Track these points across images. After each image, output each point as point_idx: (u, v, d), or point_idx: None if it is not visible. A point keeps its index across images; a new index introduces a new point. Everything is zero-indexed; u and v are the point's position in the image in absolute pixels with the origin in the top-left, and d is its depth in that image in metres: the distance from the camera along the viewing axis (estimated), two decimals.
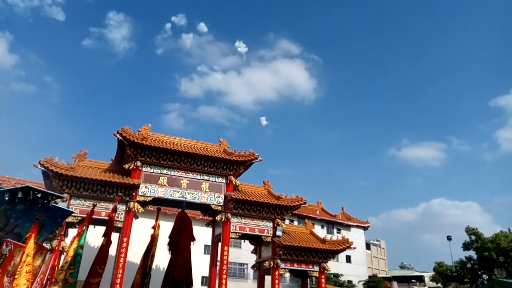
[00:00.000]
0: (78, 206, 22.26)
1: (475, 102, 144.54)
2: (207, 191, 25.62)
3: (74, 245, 10.05)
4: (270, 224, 26.67)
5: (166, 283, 7.17)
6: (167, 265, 7.39)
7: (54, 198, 9.25)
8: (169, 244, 7.59)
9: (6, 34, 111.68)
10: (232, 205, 25.55)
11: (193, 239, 7.60)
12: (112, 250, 17.75)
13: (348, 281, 48.69)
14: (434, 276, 46.46)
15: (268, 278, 26.81)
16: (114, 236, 16.03)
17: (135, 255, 23.76)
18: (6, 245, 8.39)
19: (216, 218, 26.10)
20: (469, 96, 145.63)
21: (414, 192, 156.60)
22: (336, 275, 45.47)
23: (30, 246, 7.98)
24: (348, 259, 52.16)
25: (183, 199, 24.45)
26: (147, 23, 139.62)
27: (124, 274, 21.93)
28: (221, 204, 25.69)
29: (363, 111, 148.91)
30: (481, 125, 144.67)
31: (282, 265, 25.98)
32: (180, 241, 7.41)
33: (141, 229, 25.03)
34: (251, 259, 31.28)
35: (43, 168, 21.90)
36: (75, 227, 22.82)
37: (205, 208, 27.30)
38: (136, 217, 24.25)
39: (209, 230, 29.29)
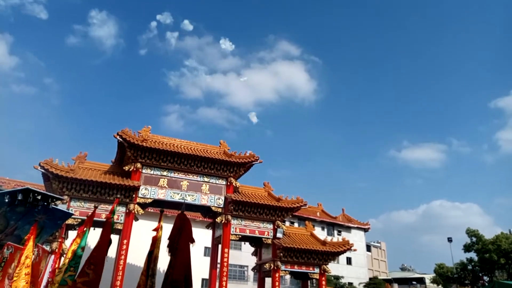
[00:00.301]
0: (78, 208, 22.24)
1: (475, 103, 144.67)
2: (207, 193, 25.59)
3: (74, 247, 10.02)
4: (271, 226, 26.63)
5: (166, 285, 7.16)
6: (167, 267, 7.38)
7: (54, 200, 9.24)
8: (168, 245, 7.58)
9: (6, 36, 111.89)
10: (232, 207, 25.52)
11: (193, 241, 7.59)
12: (112, 252, 17.73)
13: (348, 283, 48.59)
14: (435, 278, 46.32)
15: (268, 280, 26.76)
16: (114, 238, 16.00)
17: (135, 257, 23.84)
18: (7, 248, 8.39)
19: (216, 220, 26.07)
20: (469, 97, 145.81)
21: (414, 193, 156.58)
22: (337, 277, 45.38)
23: (29, 248, 7.97)
24: (349, 261, 52.08)
25: (183, 201, 24.42)
26: (141, 22, 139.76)
27: (124, 276, 21.90)
28: (221, 206, 25.65)
29: (363, 113, 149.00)
30: (481, 127, 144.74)
31: (283, 267, 25.92)
32: (180, 243, 7.40)
33: (141, 231, 25.06)
34: (251, 261, 31.24)
35: (43, 170, 21.88)
36: (75, 229, 22.75)
37: (205, 210, 27.28)
38: (136, 219, 24.22)
39: (209, 232, 29.25)
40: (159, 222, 9.05)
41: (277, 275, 25.56)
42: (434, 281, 47.36)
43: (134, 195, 23.65)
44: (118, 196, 22.94)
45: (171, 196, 24.62)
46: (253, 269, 29.91)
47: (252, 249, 29.51)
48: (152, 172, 24.64)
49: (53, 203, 9.20)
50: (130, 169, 24.03)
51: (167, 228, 8.33)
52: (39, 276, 10.69)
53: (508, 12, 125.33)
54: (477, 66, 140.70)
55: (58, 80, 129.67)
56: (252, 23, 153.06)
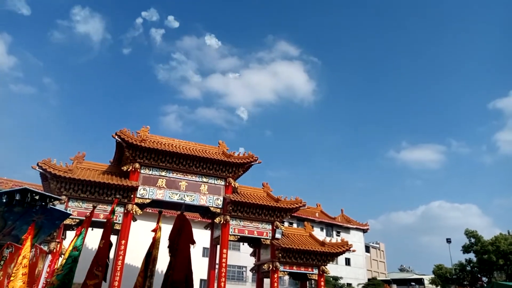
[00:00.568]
0: (76, 208, 22.16)
1: (474, 104, 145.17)
2: (206, 193, 25.51)
3: (71, 247, 9.96)
4: (269, 227, 26.56)
5: (166, 286, 7.09)
6: (166, 268, 7.31)
7: (52, 200, 9.18)
8: (168, 246, 7.51)
9: (5, 36, 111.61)
10: (231, 208, 25.45)
11: (193, 242, 7.52)
12: (110, 253, 17.66)
13: (347, 284, 48.57)
14: (434, 279, 46.27)
15: (267, 281, 26.71)
16: (112, 239, 15.90)
17: (133, 257, 23.72)
18: (7, 248, 8.34)
19: (215, 220, 26.00)
20: (468, 98, 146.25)
21: (413, 194, 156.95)
22: (336, 278, 45.33)
23: (27, 248, 7.89)
24: (348, 261, 52.05)
25: (182, 201, 24.35)
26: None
27: (122, 277, 21.82)
28: (220, 206, 25.58)
29: (362, 113, 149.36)
30: (480, 128, 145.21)
31: (281, 268, 25.86)
32: (180, 244, 7.33)
33: (140, 232, 25.00)
34: (250, 261, 31.17)
35: (41, 170, 21.80)
36: (73, 230, 22.69)
37: (203, 211, 27.21)
38: (135, 220, 24.15)
39: (207, 232, 29.18)
40: (158, 223, 8.99)
41: (275, 276, 25.49)
42: (432, 282, 47.29)
43: (132, 196, 23.56)
44: (117, 196, 22.86)
45: (169, 197, 24.54)
46: (251, 269, 29.84)
47: (251, 249, 29.44)
48: (150, 173, 24.56)
49: (51, 203, 9.15)
50: (129, 169, 23.95)
51: (166, 229, 8.27)
52: (37, 276, 10.62)
53: (508, 13, 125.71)
54: (476, 67, 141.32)
55: (56, 80, 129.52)
56: (251, 23, 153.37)
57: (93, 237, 18.09)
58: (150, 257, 8.50)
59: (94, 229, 22.00)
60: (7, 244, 8.40)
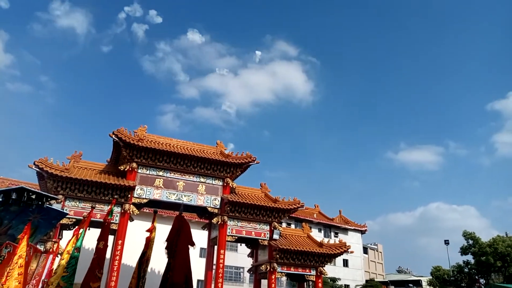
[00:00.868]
0: (73, 208, 22.03)
1: (472, 105, 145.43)
2: (204, 194, 25.41)
3: (70, 248, 9.87)
4: (267, 227, 26.48)
5: None
6: (165, 270, 7.21)
7: (49, 199, 9.12)
8: (167, 248, 7.41)
9: (2, 33, 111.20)
10: (228, 208, 25.36)
11: (192, 243, 7.41)
12: (107, 253, 17.53)
13: (345, 285, 48.54)
14: (431, 281, 46.30)
15: (264, 282, 26.60)
16: (109, 239, 15.77)
17: (130, 258, 23.58)
18: (6, 247, 8.26)
19: (212, 221, 25.89)
20: (466, 100, 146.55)
21: (411, 195, 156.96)
22: (333, 279, 45.26)
23: (22, 247, 7.81)
24: (345, 263, 52.01)
25: (179, 201, 24.25)
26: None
27: (118, 277, 21.70)
28: (218, 206, 25.48)
29: (361, 114, 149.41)
30: (478, 129, 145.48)
31: (279, 269, 25.78)
32: (178, 245, 7.24)
33: (137, 232, 24.84)
34: (248, 262, 31.09)
35: (37, 169, 21.68)
36: (69, 229, 22.57)
37: (201, 211, 27.10)
38: (131, 220, 24.02)
39: (205, 233, 29.07)
40: (153, 223, 8.91)
41: (273, 276, 25.41)
42: (430, 283, 47.32)
43: (129, 195, 23.45)
44: (114, 196, 22.74)
45: (167, 197, 24.44)
46: (249, 270, 29.74)
47: (248, 250, 29.34)
48: (148, 172, 24.45)
49: (47, 203, 9.09)
50: (126, 169, 23.84)
51: (162, 229, 8.19)
52: (30, 275, 10.51)
53: (507, 15, 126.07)
54: (475, 68, 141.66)
55: (54, 78, 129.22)
56: (249, 23, 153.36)
57: (89, 237, 17.96)
58: (144, 258, 8.41)
59: (90, 228, 21.84)
60: (6, 244, 8.33)
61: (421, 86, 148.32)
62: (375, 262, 69.20)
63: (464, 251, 41.00)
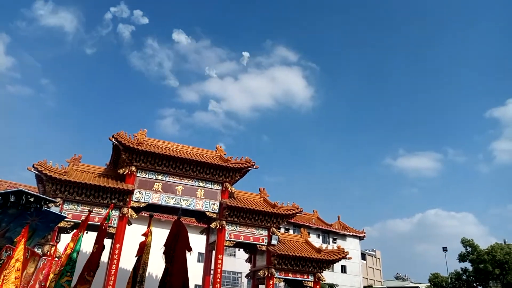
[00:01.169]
0: (71, 211, 21.98)
1: (471, 113, 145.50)
2: (202, 198, 25.38)
3: (68, 251, 9.84)
4: (265, 233, 26.43)
5: None
6: (162, 274, 7.18)
7: (47, 202, 9.10)
8: (164, 252, 7.39)
9: (3, 36, 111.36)
10: (227, 213, 25.31)
11: (190, 249, 7.39)
12: (105, 257, 17.48)
13: None
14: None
15: None
16: (107, 243, 15.77)
17: (128, 262, 23.49)
18: (5, 251, 8.24)
19: (210, 225, 25.84)
20: (465, 107, 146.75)
21: (409, 202, 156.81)
22: (331, 285, 45.10)
23: (20, 250, 7.78)
24: (344, 269, 51.84)
25: (178, 205, 24.21)
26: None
27: (116, 281, 21.60)
28: (216, 211, 25.44)
29: (360, 120, 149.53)
30: (477, 136, 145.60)
31: (277, 275, 25.71)
32: (176, 250, 7.22)
33: (135, 236, 24.73)
34: (245, 268, 30.98)
35: (36, 172, 21.64)
36: (67, 232, 22.51)
37: (199, 215, 27.05)
38: (130, 224, 23.95)
39: (203, 237, 29.00)
40: (148, 227, 8.87)
41: (271, 282, 25.34)
42: None
43: (128, 199, 23.41)
44: (112, 199, 22.71)
45: (165, 201, 24.40)
46: (247, 276, 29.65)
47: (246, 255, 29.26)
48: (147, 176, 24.43)
49: (46, 206, 9.07)
50: (125, 173, 23.81)
51: (161, 233, 8.18)
52: (25, 278, 10.46)
53: (506, 22, 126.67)
54: (474, 75, 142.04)
55: (54, 81, 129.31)
56: (249, 28, 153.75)
57: (86, 240, 17.91)
58: (140, 262, 8.37)
59: (88, 232, 21.79)
60: (6, 247, 8.31)
61: (420, 92, 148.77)
62: (373, 268, 69.03)
63: (462, 258, 40.99)
